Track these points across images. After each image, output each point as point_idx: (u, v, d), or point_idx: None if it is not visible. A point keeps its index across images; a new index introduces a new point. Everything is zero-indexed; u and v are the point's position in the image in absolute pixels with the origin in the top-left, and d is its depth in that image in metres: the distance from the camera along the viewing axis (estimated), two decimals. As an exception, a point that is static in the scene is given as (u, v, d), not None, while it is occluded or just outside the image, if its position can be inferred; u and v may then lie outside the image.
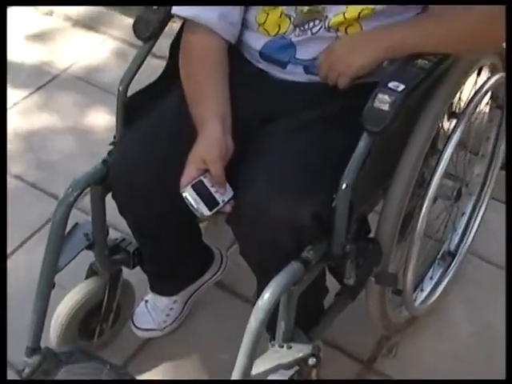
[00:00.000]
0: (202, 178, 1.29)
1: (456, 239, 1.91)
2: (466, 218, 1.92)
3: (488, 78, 1.56)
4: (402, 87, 1.23)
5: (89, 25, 2.80)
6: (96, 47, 2.70)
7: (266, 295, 1.21)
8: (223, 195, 1.29)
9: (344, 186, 1.24)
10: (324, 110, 1.40)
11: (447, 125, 1.53)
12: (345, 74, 1.33)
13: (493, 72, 1.62)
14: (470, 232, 1.91)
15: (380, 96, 1.22)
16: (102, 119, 2.37)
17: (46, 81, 2.54)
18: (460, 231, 1.91)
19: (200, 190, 1.28)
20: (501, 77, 1.58)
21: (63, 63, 2.62)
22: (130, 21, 2.84)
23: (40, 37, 2.76)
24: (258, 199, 1.29)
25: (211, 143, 1.30)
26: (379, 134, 1.23)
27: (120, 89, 1.45)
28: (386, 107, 1.21)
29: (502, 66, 1.63)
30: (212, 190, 1.29)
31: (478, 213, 1.92)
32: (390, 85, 1.24)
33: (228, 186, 1.30)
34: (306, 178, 1.30)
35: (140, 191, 1.42)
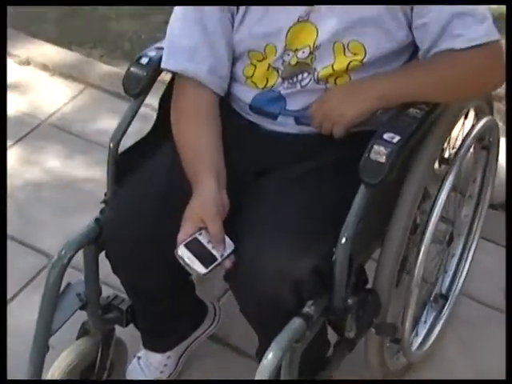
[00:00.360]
0: (196, 235, 1.27)
1: (447, 281, 1.90)
2: (456, 259, 1.92)
3: (476, 123, 1.57)
4: (397, 138, 1.24)
5: (67, 73, 2.79)
6: (76, 96, 2.69)
7: (270, 355, 1.19)
8: (222, 250, 1.27)
9: (344, 239, 1.24)
10: (318, 161, 1.39)
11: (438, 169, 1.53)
12: (339, 123, 1.34)
13: (479, 115, 1.64)
14: (461, 273, 1.91)
15: (376, 148, 1.22)
16: (85, 170, 2.34)
17: (25, 132, 2.51)
18: (451, 273, 1.91)
19: (195, 247, 1.26)
20: (488, 120, 1.59)
21: (43, 113, 2.59)
22: (109, 68, 2.91)
23: (18, 87, 2.73)
24: (256, 254, 1.28)
25: (207, 201, 1.29)
26: (377, 186, 1.23)
27: (111, 146, 1.43)
28: (382, 159, 1.21)
29: (489, 109, 1.64)
30: (209, 246, 1.27)
31: (467, 254, 1.92)
32: (385, 136, 1.24)
33: (228, 239, 1.29)
34: (304, 231, 1.29)
35: (133, 250, 1.39)
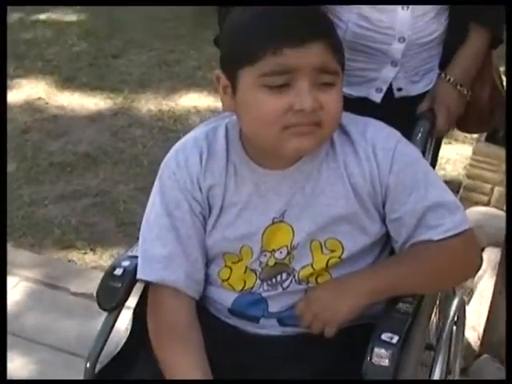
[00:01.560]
0: None
1: None
2: None
3: (450, 306, 1.58)
4: (396, 338, 1.22)
5: (-2, 267, 2.67)
6: (10, 291, 2.56)
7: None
8: None
9: None
10: (307, 364, 1.35)
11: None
12: (331, 322, 1.31)
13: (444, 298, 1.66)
14: None
15: (377, 350, 1.20)
16: (28, 373, 2.19)
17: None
18: None
19: None
20: (459, 301, 1.61)
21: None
22: (41, 258, 2.81)
23: None
24: None
25: None
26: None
27: (87, 366, 1.34)
28: (385, 362, 1.19)
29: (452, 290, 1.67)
30: None
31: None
32: (384, 337, 1.22)
33: None
34: None
35: None
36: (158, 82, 4.14)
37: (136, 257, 1.40)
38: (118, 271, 1.39)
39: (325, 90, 1.27)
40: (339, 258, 1.37)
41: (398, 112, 1.58)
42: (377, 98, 1.66)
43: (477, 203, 2.84)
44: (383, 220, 1.38)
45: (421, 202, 1.34)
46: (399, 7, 1.53)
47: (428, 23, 1.59)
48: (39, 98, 3.95)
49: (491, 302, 2.14)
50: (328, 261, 1.37)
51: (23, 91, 4.02)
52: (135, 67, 4.32)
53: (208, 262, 1.42)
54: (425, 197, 1.34)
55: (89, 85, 4.09)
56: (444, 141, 3.30)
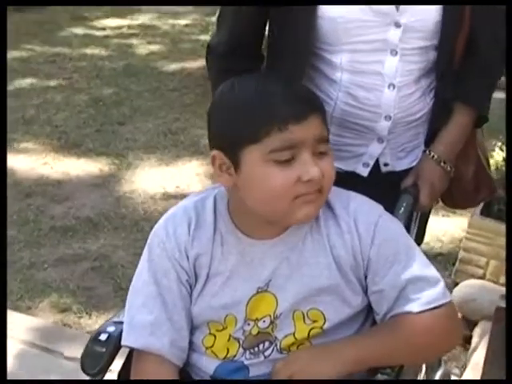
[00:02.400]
0: None
1: None
2: None
3: (434, 377, 1.59)
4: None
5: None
6: (3, 354, 2.58)
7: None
8: None
9: None
10: None
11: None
12: None
13: (429, 369, 1.67)
14: None
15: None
16: None
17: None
18: None
19: None
20: (444, 370, 1.62)
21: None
22: (37, 321, 2.82)
23: None
24: None
25: None
26: None
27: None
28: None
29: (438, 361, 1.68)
30: None
31: None
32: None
33: None
34: None
35: None
36: (162, 149, 4.23)
37: (121, 322, 1.42)
38: (103, 336, 1.42)
39: (322, 158, 1.34)
40: (321, 328, 1.40)
41: (384, 186, 1.63)
42: (364, 172, 1.70)
43: (472, 276, 2.86)
44: (365, 292, 1.41)
45: (401, 275, 1.37)
46: (385, 87, 1.58)
47: (414, 103, 1.64)
48: (45, 163, 4.04)
49: (482, 374, 2.14)
50: (310, 331, 1.39)
51: (29, 156, 4.11)
52: (141, 134, 4.42)
53: (193, 329, 1.45)
54: (405, 270, 1.37)
55: (94, 150, 4.19)
56: (442, 213, 3.40)
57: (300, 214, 1.34)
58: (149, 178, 3.88)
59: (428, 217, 1.87)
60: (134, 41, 6.41)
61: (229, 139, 1.34)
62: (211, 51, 1.66)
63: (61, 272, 3.10)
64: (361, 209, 1.41)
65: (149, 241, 1.46)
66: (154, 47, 6.21)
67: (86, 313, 2.82)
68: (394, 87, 1.58)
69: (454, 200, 1.76)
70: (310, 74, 1.61)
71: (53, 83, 5.25)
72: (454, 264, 2.96)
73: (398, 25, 1.52)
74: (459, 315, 2.42)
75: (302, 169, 1.31)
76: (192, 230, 1.42)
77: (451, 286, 2.78)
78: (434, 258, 3.12)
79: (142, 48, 6.19)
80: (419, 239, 1.80)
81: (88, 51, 6.04)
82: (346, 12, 1.51)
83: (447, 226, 3.44)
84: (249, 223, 1.41)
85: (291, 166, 1.31)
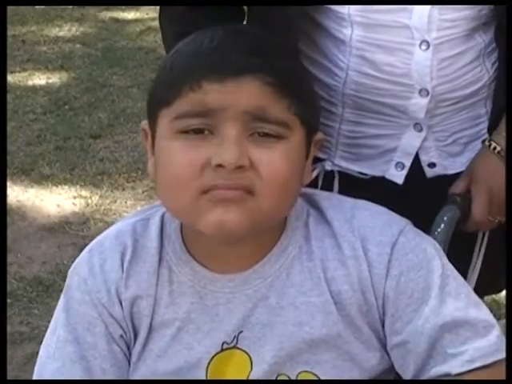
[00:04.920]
0: None
1: None
2: None
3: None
4: None
5: None
6: None
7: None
8: None
9: None
10: None
11: None
12: None
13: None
14: None
15: None
16: None
17: None
18: None
19: None
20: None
21: None
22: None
23: None
24: None
25: None
26: None
27: None
28: None
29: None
30: None
31: None
32: None
33: None
34: None
35: None
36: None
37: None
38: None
39: (263, 144, 1.37)
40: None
41: (432, 199, 1.67)
42: (398, 177, 1.73)
43: None
44: (384, 346, 1.46)
45: (433, 320, 1.40)
46: (416, 46, 1.64)
47: (463, 70, 1.67)
48: (-24, 199, 4.22)
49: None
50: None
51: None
52: (123, 151, 4.58)
53: (136, 409, 1.52)
54: (439, 311, 1.41)
55: (52, 178, 4.37)
56: None
57: (209, 220, 1.37)
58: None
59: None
60: (122, 14, 6.62)
61: (148, 102, 1.46)
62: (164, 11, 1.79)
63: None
64: (372, 223, 1.46)
65: (67, 281, 1.52)
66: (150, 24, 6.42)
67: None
68: (428, 46, 1.63)
69: None
70: (311, 32, 1.68)
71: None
72: None
73: None
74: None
75: (216, 149, 1.36)
76: (127, 262, 1.48)
77: None
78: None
79: (133, 24, 6.40)
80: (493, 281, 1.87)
81: (51, 30, 6.28)
82: None
83: None
84: (208, 249, 1.46)
85: (204, 143, 1.37)
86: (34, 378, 1.51)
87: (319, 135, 1.50)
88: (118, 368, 1.50)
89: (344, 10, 1.63)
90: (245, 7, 1.77)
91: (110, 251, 1.51)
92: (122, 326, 1.49)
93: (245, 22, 1.77)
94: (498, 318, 2.63)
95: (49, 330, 1.53)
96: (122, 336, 1.50)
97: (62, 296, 1.52)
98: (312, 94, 1.49)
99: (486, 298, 3.14)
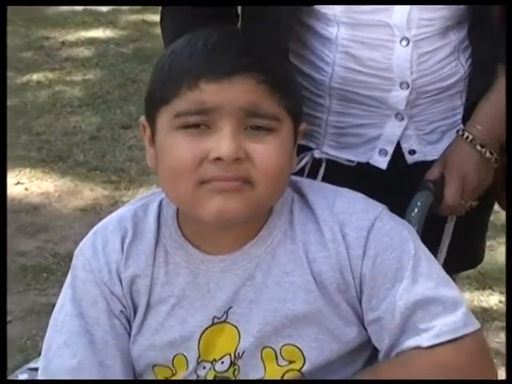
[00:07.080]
0: None
1: None
2: None
3: None
4: None
5: None
6: None
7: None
8: None
9: None
10: None
11: None
12: None
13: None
14: None
15: None
16: None
17: None
18: None
19: None
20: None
21: None
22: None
23: None
24: None
25: None
26: None
27: None
28: None
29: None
30: None
31: None
32: None
33: None
34: None
35: None
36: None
37: (36, 369, 1.52)
38: (13, 386, 1.52)
39: (257, 137, 1.39)
40: (299, 371, 1.45)
41: (413, 183, 1.68)
42: (381, 163, 1.74)
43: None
44: (362, 321, 1.47)
45: (406, 297, 1.41)
46: (397, 42, 1.64)
47: (440, 64, 1.68)
48: (18, 183, 4.22)
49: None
50: (284, 374, 1.46)
51: (-2, 173, 4.30)
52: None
53: (137, 376, 1.53)
54: (411, 290, 1.41)
55: (85, 165, 4.38)
56: None
57: (210, 208, 1.39)
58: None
59: (486, 227, 1.90)
60: (152, 16, 6.59)
61: (147, 100, 1.47)
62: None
63: (29, 327, 3.22)
64: (350, 209, 1.47)
65: (73, 261, 1.55)
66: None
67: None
68: (408, 42, 1.64)
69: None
70: (299, 32, 1.70)
71: (36, 76, 5.47)
72: None
73: None
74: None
75: (214, 143, 1.38)
76: (126, 244, 1.51)
77: None
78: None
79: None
80: (469, 258, 1.88)
81: (88, 32, 6.29)
82: None
83: None
84: (201, 233, 1.49)
85: (203, 138, 1.38)
86: (44, 348, 1.54)
87: (303, 125, 1.52)
88: (118, 341, 1.52)
89: (330, 11, 1.65)
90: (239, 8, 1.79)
91: (111, 234, 1.53)
92: (122, 303, 1.52)
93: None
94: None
95: (57, 305, 1.58)
96: (122, 311, 1.52)
97: (69, 274, 1.57)
98: (296, 87, 1.54)
99: (474, 303, 3.20)
